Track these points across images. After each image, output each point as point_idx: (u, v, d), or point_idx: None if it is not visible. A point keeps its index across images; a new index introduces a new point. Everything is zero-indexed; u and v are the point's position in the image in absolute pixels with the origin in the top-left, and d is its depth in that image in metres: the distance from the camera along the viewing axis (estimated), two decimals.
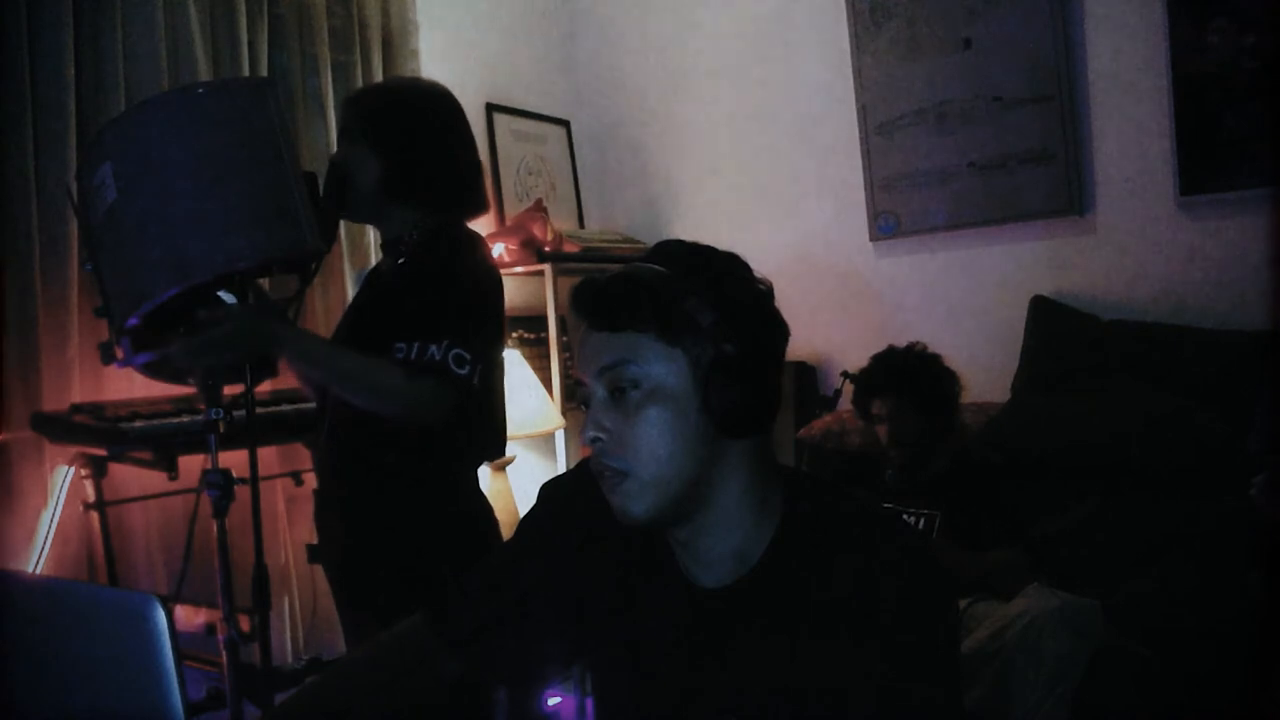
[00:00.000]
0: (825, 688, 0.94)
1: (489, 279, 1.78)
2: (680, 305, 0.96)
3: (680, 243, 1.05)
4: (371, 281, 1.95)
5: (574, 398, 1.10)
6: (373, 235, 2.95)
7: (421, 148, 1.79)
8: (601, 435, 0.98)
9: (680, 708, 1.02)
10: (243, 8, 2.60)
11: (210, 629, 1.89)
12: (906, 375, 2.38)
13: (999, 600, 2.06)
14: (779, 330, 1.03)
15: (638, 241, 3.57)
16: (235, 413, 1.72)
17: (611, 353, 0.98)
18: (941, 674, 0.95)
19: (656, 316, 0.96)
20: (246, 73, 2.59)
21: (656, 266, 0.99)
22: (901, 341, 2.47)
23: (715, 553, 1.01)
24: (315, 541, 2.56)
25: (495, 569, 1.17)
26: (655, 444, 0.96)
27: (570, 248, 3.30)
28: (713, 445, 0.98)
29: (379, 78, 3.00)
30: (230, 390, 1.71)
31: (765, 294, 1.03)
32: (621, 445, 0.97)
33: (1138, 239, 2.80)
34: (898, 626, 0.93)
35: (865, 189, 3.23)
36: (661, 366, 0.97)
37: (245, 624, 1.73)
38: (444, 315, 1.66)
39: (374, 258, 2.95)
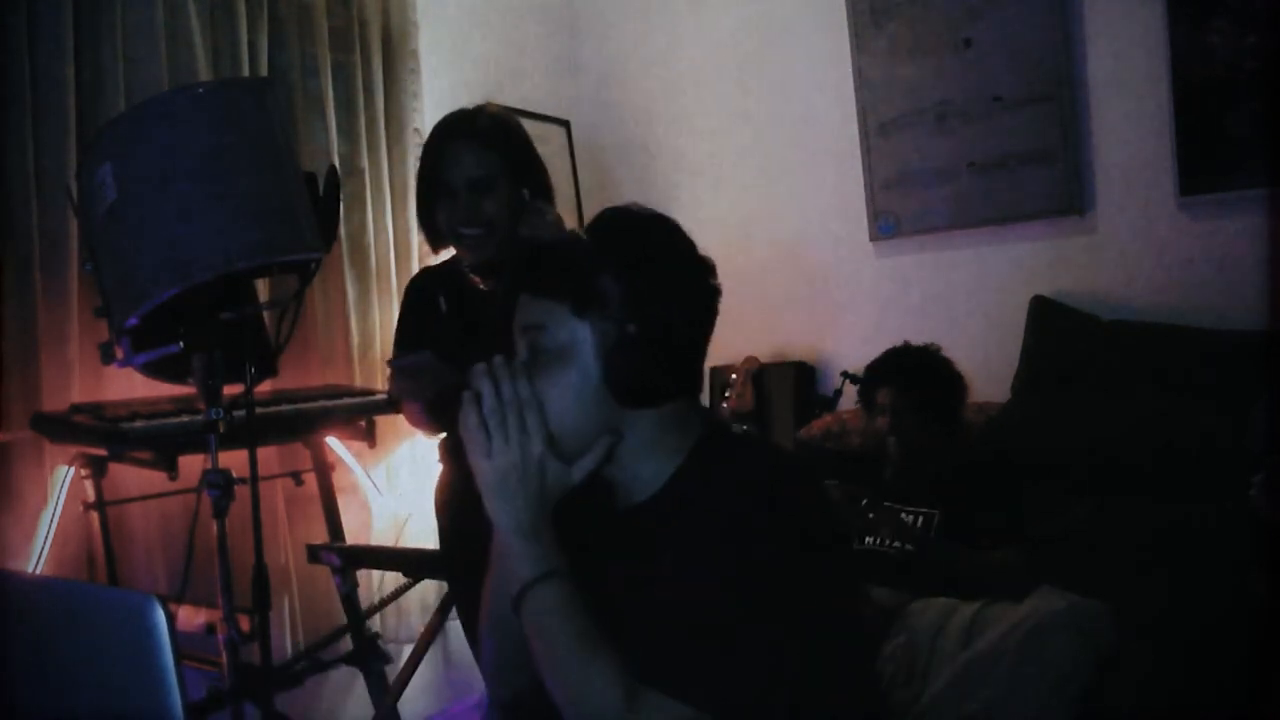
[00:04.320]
0: (676, 605, 0.99)
1: None
2: (592, 282, 1.03)
3: (619, 214, 1.11)
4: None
5: None
6: (373, 236, 2.95)
7: None
8: None
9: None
10: (243, 8, 2.60)
11: (210, 629, 1.89)
12: (915, 370, 2.40)
13: (1010, 603, 2.05)
14: (696, 308, 1.09)
15: None
16: (235, 413, 1.72)
17: (529, 315, 1.06)
18: (756, 599, 0.98)
19: (570, 291, 1.04)
20: (246, 73, 2.59)
21: (583, 238, 1.08)
22: (901, 342, 2.48)
23: (621, 483, 1.10)
24: (315, 541, 2.56)
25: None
26: (556, 403, 1.04)
27: None
28: (616, 411, 1.05)
29: (379, 78, 3.00)
30: (230, 390, 1.72)
31: (689, 274, 1.08)
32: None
33: (1138, 239, 2.80)
34: (724, 547, 0.98)
35: (865, 189, 3.22)
36: (570, 336, 1.04)
37: (245, 624, 1.73)
38: None
39: (375, 259, 2.95)
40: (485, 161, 1.81)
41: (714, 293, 1.09)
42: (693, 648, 0.97)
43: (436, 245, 1.94)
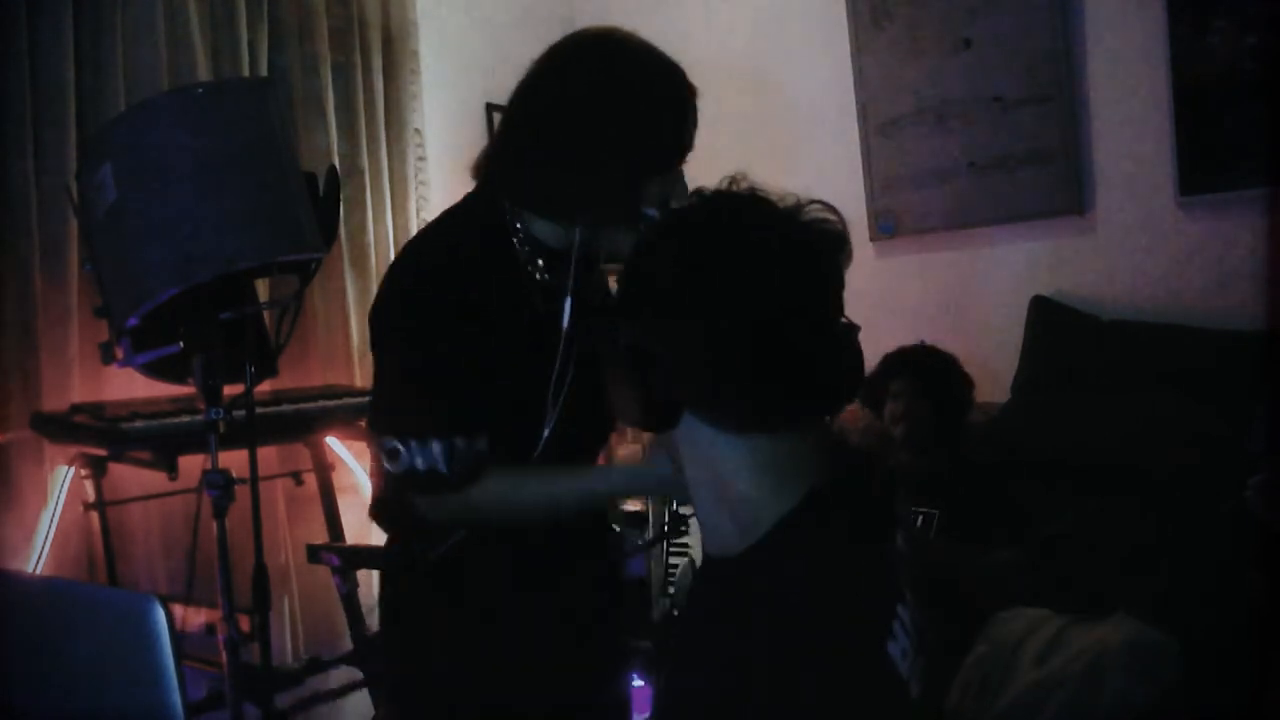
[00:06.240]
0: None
1: None
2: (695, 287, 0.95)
3: (682, 243, 1.01)
4: None
5: None
6: (373, 236, 2.95)
7: None
8: None
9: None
10: (243, 8, 2.60)
11: (210, 629, 1.89)
12: (932, 365, 2.43)
13: (1092, 624, 2.01)
14: (774, 329, 0.96)
15: None
16: (235, 413, 1.72)
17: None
18: None
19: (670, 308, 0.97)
20: (246, 73, 2.59)
21: (656, 270, 0.99)
22: (902, 342, 2.49)
23: (706, 526, 1.01)
24: (315, 541, 2.56)
25: None
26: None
27: None
28: (709, 445, 0.96)
29: (379, 78, 3.00)
30: (230, 390, 1.72)
31: (769, 296, 0.96)
32: None
33: (1138, 239, 2.80)
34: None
35: (865, 189, 3.22)
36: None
37: (245, 624, 1.73)
38: None
39: (375, 259, 2.95)
40: None
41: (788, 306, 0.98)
42: None
43: (610, 214, 1.35)
